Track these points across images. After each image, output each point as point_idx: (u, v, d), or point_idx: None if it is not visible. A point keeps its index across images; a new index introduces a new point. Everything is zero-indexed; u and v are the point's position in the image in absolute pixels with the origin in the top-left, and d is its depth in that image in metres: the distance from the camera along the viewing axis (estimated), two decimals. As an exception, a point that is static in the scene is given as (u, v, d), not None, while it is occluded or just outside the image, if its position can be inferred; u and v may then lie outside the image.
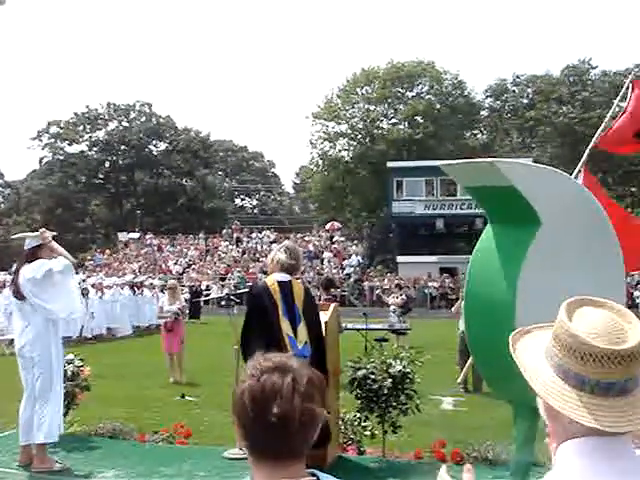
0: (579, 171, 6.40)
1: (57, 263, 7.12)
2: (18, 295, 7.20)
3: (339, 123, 60.38)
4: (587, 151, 6.62)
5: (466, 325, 5.34)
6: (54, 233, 7.63)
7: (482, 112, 64.37)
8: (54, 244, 7.34)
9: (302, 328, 6.16)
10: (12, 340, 17.00)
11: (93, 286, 23.19)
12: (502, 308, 4.76)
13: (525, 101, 62.31)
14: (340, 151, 61.02)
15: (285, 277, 6.26)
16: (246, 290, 8.59)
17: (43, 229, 7.43)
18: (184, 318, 13.94)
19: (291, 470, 1.68)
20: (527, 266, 4.71)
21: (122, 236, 53.82)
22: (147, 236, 52.97)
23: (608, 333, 1.57)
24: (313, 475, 1.72)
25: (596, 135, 6.73)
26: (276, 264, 6.39)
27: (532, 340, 1.75)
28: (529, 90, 62.23)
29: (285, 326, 6.11)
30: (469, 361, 9.54)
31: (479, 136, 65.03)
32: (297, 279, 6.63)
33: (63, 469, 6.95)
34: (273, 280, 6.27)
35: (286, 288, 6.21)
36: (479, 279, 5.18)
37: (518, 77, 63.01)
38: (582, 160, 6.52)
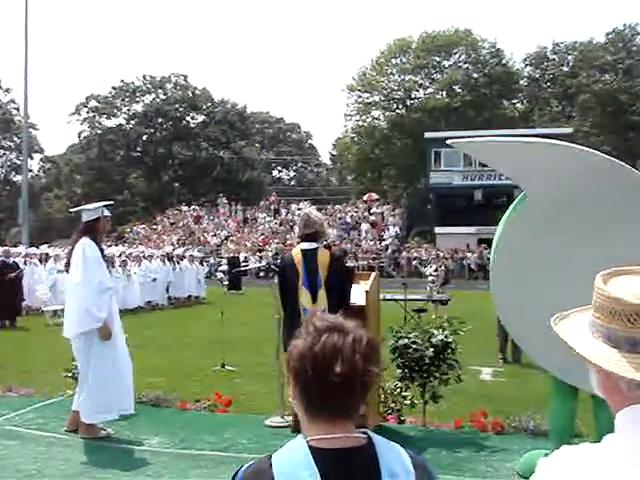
0: None
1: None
2: (67, 268, 7.22)
3: (372, 94, 60.02)
4: None
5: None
6: (110, 202, 7.64)
7: (521, 81, 63.38)
8: None
9: (322, 294, 6.32)
10: (56, 311, 17.40)
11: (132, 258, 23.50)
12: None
13: (565, 69, 61.09)
14: (375, 119, 60.77)
15: (310, 245, 6.47)
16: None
17: (102, 205, 7.25)
18: None
19: (345, 428, 1.70)
20: (505, 233, 5.56)
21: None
22: (184, 208, 53.31)
23: None
24: (364, 433, 1.73)
25: None
26: (298, 235, 6.75)
27: (572, 322, 1.70)
28: (570, 58, 60.99)
29: (303, 295, 6.35)
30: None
31: (518, 105, 64.14)
32: (328, 247, 6.70)
33: (108, 435, 7.08)
34: (298, 249, 6.54)
35: (310, 256, 6.40)
36: (496, 246, 5.75)
37: (558, 45, 61.75)
38: None
